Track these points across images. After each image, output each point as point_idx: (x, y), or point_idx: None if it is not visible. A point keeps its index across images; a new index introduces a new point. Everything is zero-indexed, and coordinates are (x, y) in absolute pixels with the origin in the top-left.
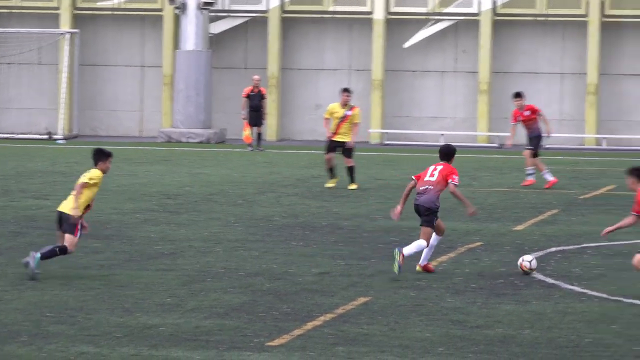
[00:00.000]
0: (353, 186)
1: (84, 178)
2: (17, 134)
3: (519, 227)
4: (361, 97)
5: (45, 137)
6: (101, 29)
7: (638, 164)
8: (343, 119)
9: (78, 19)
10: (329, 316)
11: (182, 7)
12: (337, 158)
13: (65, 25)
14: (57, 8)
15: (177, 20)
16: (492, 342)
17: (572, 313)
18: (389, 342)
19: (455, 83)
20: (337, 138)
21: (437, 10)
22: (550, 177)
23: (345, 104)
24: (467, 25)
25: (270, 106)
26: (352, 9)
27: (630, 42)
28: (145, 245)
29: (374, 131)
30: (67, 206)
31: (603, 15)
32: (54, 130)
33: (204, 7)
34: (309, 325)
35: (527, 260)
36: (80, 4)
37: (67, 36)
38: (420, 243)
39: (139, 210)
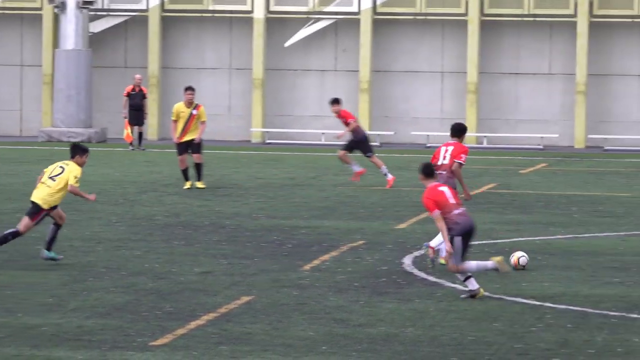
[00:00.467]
0: (200, 185)
1: (71, 178)
2: None
3: (401, 226)
4: (242, 96)
5: None
6: None
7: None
8: (190, 118)
9: None
10: (212, 315)
11: (62, 6)
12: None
13: None
14: None
15: (56, 19)
16: (375, 341)
17: (455, 311)
18: (272, 341)
19: (336, 82)
20: (187, 138)
21: (317, 9)
22: (357, 168)
23: (190, 103)
24: (348, 24)
25: (151, 105)
26: (232, 7)
27: (508, 40)
28: (26, 245)
29: (255, 130)
30: (38, 196)
31: (482, 14)
32: None
33: (84, 6)
34: (192, 324)
35: (517, 256)
36: None
37: None
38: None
39: (19, 210)
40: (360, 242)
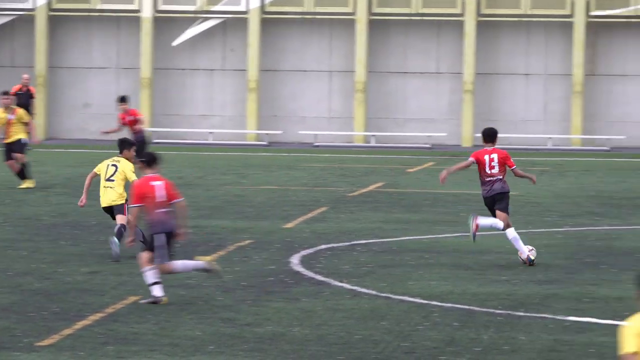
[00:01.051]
0: (25, 185)
1: (130, 174)
2: None
3: (289, 225)
4: (130, 95)
5: None
6: None
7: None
8: (9, 122)
9: None
10: (98, 315)
11: None
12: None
13: None
14: None
15: None
16: (262, 340)
17: (342, 310)
18: (159, 340)
19: (224, 81)
20: (10, 140)
21: (205, 9)
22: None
23: (7, 108)
24: (236, 23)
25: (39, 105)
26: (119, 7)
27: (396, 40)
28: None
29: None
30: (108, 200)
31: (370, 13)
32: None
33: None
34: (79, 324)
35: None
36: None
37: None
38: (497, 223)
39: None
40: (248, 241)
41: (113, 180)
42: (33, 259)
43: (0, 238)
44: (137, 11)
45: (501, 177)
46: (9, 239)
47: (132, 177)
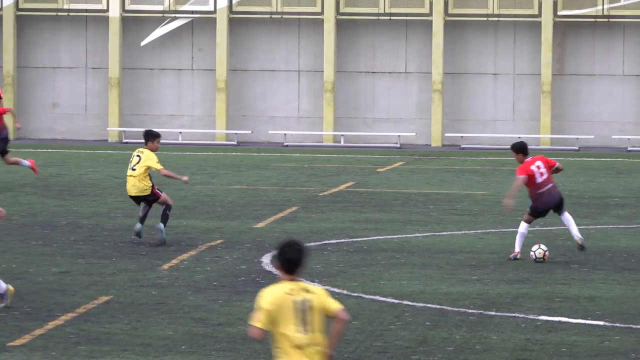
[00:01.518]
0: None
1: (154, 164)
2: None
3: (260, 225)
4: (98, 95)
5: None
6: None
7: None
8: None
9: None
10: (70, 315)
11: None
12: None
13: None
14: None
15: None
16: (235, 340)
17: None
18: (131, 340)
19: (192, 81)
20: None
21: (173, 8)
22: (26, 163)
23: None
24: (204, 23)
25: (6, 105)
26: (87, 6)
27: (364, 39)
28: None
29: (112, 129)
30: (131, 187)
31: (338, 13)
32: None
33: None
34: (51, 324)
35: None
36: None
37: None
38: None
39: None
40: (219, 241)
41: (135, 170)
42: (4, 259)
43: None
44: (105, 11)
45: (552, 182)
46: None
47: (157, 166)
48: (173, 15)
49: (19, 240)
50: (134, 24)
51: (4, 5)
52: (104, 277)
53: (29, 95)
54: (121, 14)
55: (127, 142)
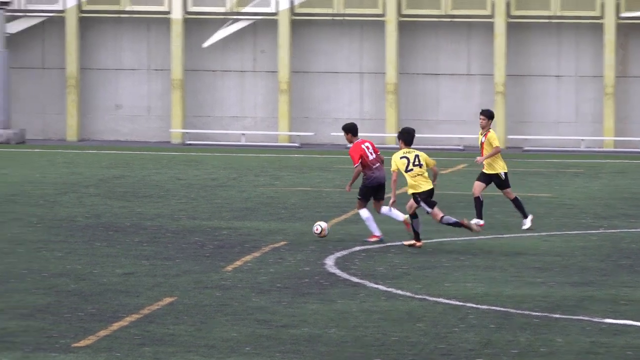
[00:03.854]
0: None
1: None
2: None
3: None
4: (161, 97)
5: None
6: None
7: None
8: None
9: None
10: (134, 317)
11: None
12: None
13: None
14: None
15: None
16: (298, 342)
17: (378, 312)
18: (195, 342)
19: (255, 83)
20: None
21: (235, 10)
22: None
23: None
24: (266, 24)
25: (70, 106)
26: (149, 8)
27: (426, 41)
28: None
29: (175, 131)
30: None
31: (400, 14)
32: None
33: (0, 7)
34: (115, 325)
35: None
36: None
37: None
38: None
39: None
40: (282, 242)
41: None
42: (68, 260)
43: (34, 239)
44: (167, 12)
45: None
46: (43, 240)
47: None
48: (235, 17)
49: (83, 242)
50: (196, 25)
51: (67, 7)
52: (168, 278)
53: (92, 97)
54: (183, 16)
55: (190, 144)
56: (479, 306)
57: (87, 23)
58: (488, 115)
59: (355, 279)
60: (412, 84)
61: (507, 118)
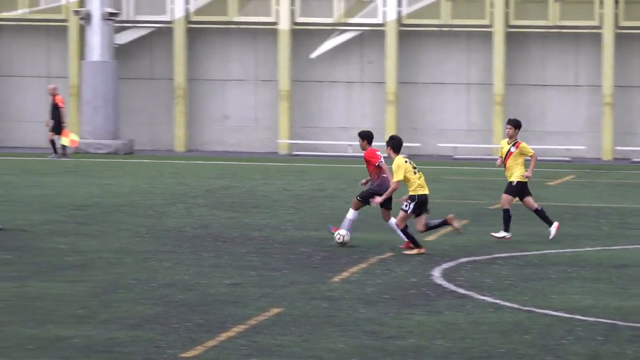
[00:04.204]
0: None
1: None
2: None
3: (430, 238)
4: (269, 107)
5: None
6: (6, 39)
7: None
8: None
9: None
10: (241, 327)
11: (87, 18)
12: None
13: None
14: None
15: (82, 30)
16: (405, 353)
17: (485, 323)
18: (302, 353)
19: (362, 94)
20: None
21: (342, 21)
22: None
23: None
24: (373, 35)
25: (178, 117)
26: (257, 19)
27: (534, 52)
28: (55, 256)
29: (282, 142)
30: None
31: (508, 25)
32: None
33: (109, 17)
34: (223, 336)
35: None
36: None
37: None
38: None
39: (48, 221)
40: (389, 254)
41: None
42: (176, 271)
43: (142, 250)
44: (275, 23)
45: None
46: (151, 250)
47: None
48: (342, 27)
49: (191, 252)
50: (304, 36)
51: (175, 17)
52: (275, 289)
53: (200, 108)
54: (291, 27)
55: (297, 154)
56: (586, 318)
57: (195, 34)
58: (515, 124)
59: (462, 291)
60: (519, 95)
61: (615, 129)
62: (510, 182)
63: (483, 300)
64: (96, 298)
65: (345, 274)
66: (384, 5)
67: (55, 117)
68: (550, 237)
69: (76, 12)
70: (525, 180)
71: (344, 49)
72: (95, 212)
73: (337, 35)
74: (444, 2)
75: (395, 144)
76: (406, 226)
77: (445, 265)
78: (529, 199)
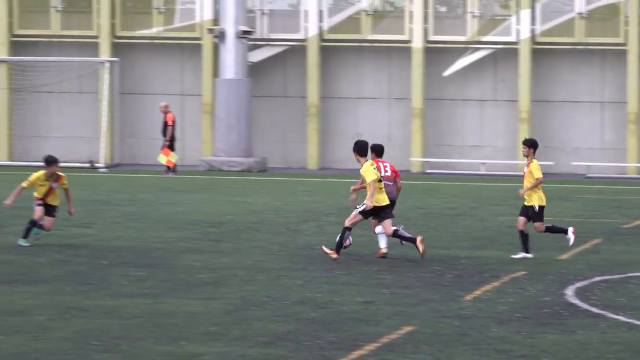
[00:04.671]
0: None
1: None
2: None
3: (563, 257)
4: (402, 125)
5: (87, 165)
6: (140, 57)
7: None
8: None
9: (117, 48)
10: (373, 345)
11: (221, 36)
12: None
13: (104, 54)
14: (96, 37)
15: (216, 49)
16: None
17: (619, 343)
18: None
19: (495, 112)
20: None
21: (476, 39)
22: None
23: None
24: (506, 53)
25: (311, 134)
26: (390, 37)
27: None
28: (188, 273)
29: (415, 160)
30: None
31: None
32: (96, 159)
33: (243, 35)
34: (355, 354)
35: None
36: (119, 33)
37: (107, 65)
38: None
39: (181, 238)
40: (522, 272)
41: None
42: (308, 288)
43: (275, 267)
44: (408, 41)
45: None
46: (284, 267)
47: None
48: (475, 46)
49: (324, 270)
50: (437, 54)
51: (308, 36)
52: (407, 307)
53: (333, 125)
54: (424, 45)
55: (429, 172)
56: None
57: (328, 52)
58: (529, 144)
59: (595, 310)
60: None
61: None
62: (532, 207)
63: (617, 319)
64: (229, 315)
65: (477, 292)
66: (518, 23)
67: (164, 134)
68: (516, 257)
69: (210, 31)
70: (540, 204)
71: (477, 67)
72: (228, 229)
73: (470, 53)
74: (578, 20)
75: (358, 149)
76: (349, 229)
77: (579, 284)
78: (538, 225)
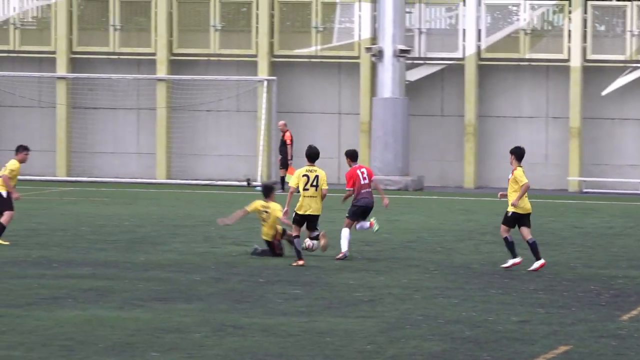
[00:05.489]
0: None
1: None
2: (216, 180)
3: None
4: (559, 145)
5: (244, 183)
6: (298, 76)
7: None
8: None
9: (275, 67)
10: None
11: (379, 55)
12: None
13: (262, 73)
14: (255, 56)
15: (373, 67)
16: None
17: None
18: None
19: None
20: None
21: (635, 58)
22: None
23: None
24: None
25: (468, 153)
26: (548, 56)
27: None
28: (344, 292)
29: (572, 179)
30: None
31: None
32: (253, 177)
33: (400, 55)
34: None
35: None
36: (277, 52)
37: (265, 83)
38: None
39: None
40: None
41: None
42: (464, 307)
43: (431, 286)
44: (567, 60)
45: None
46: (439, 286)
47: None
48: (634, 65)
49: (479, 289)
50: (595, 73)
51: (466, 54)
52: (563, 326)
53: (490, 144)
54: (582, 64)
55: (587, 192)
56: None
57: (486, 70)
58: (512, 151)
59: None
60: None
61: None
62: (506, 212)
63: None
64: (384, 334)
65: (634, 312)
66: None
67: (283, 153)
68: (506, 265)
69: (368, 50)
70: (524, 212)
71: (636, 86)
72: (384, 248)
73: (630, 72)
74: None
75: (309, 155)
76: (297, 236)
77: None
78: (525, 230)
